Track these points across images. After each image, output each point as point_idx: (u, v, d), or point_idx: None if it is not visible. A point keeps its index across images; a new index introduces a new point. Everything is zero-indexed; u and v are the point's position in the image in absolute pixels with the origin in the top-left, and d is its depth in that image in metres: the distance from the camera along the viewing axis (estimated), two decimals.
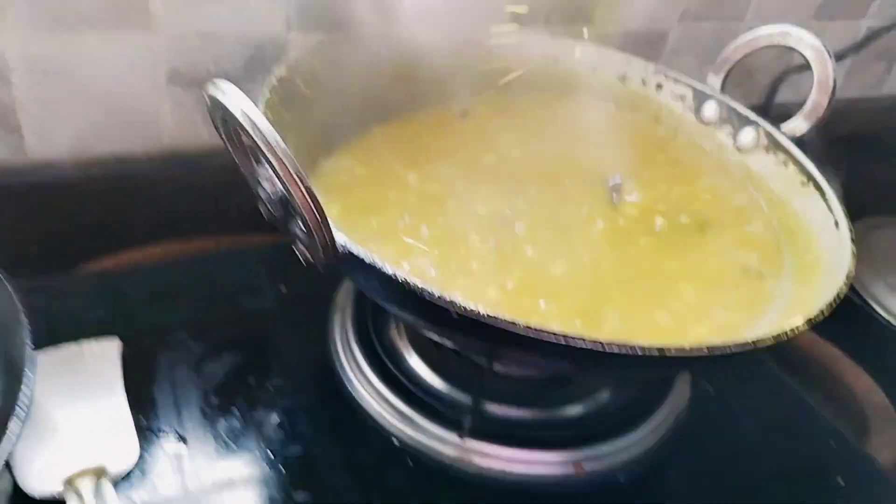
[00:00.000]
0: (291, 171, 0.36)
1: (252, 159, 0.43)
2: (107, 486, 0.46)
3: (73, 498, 0.45)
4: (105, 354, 0.54)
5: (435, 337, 0.54)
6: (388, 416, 0.55)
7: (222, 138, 0.42)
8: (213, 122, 0.41)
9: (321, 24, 0.72)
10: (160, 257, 0.69)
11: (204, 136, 0.73)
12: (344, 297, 0.63)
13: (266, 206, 0.44)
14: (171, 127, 0.72)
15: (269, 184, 0.43)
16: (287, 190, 0.37)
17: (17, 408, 0.40)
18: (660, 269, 0.54)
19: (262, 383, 0.56)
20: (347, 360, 0.58)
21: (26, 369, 0.42)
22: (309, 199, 0.37)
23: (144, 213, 0.72)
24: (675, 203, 0.61)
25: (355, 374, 0.57)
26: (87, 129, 0.69)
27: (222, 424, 0.53)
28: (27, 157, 0.68)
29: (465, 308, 0.39)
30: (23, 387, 0.41)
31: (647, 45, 0.92)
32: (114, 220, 0.71)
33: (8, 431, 0.39)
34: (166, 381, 0.55)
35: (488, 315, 0.39)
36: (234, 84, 0.70)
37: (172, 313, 0.61)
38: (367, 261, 0.40)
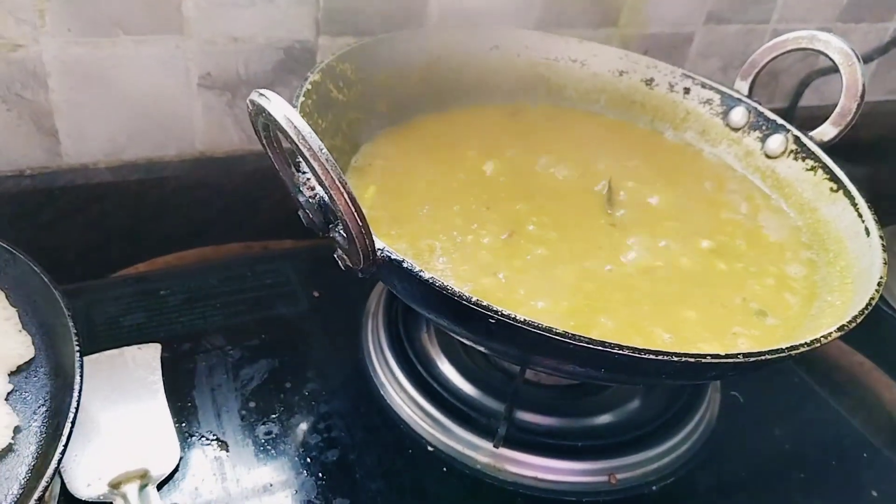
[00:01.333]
0: (335, 178, 0.37)
1: (292, 165, 0.44)
2: (151, 490, 0.48)
3: (119, 501, 0.46)
4: (146, 359, 0.56)
5: (469, 342, 0.54)
6: (421, 422, 0.55)
7: (262, 144, 0.42)
8: (254, 128, 0.41)
9: (349, 27, 0.72)
10: (194, 262, 0.70)
11: (234, 139, 0.74)
12: (375, 301, 0.64)
13: (305, 211, 0.44)
14: (203, 130, 0.73)
15: (308, 189, 0.44)
16: (330, 196, 0.38)
17: (67, 412, 0.41)
18: (663, 291, 0.53)
19: (298, 388, 0.57)
20: (380, 365, 0.59)
21: (76, 375, 0.43)
22: (352, 207, 0.38)
23: (178, 217, 0.73)
24: (698, 227, 0.60)
25: (388, 380, 0.58)
26: (121, 132, 0.70)
27: (261, 429, 0.54)
28: (63, 160, 0.69)
29: (502, 314, 0.39)
30: (73, 392, 0.42)
31: (672, 47, 0.92)
32: (148, 223, 0.72)
33: (61, 435, 0.40)
34: (205, 386, 0.56)
35: (525, 321, 0.39)
36: (264, 88, 0.71)
37: (209, 318, 0.63)
38: (406, 266, 0.41)
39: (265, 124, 0.39)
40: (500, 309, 0.39)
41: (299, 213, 0.45)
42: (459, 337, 0.53)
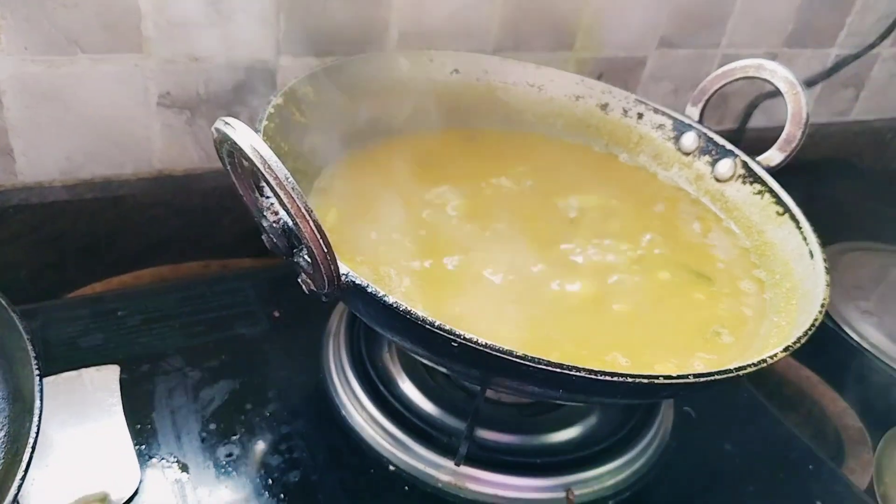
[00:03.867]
0: (301, 207, 0.38)
1: (256, 190, 0.44)
2: None
3: None
4: (105, 381, 0.55)
5: (432, 364, 0.55)
6: (383, 442, 0.56)
7: (227, 169, 0.43)
8: (218, 154, 0.42)
9: (310, 48, 0.73)
10: (152, 281, 0.70)
11: (194, 157, 0.74)
12: (336, 321, 0.65)
13: (269, 235, 0.45)
14: (161, 149, 0.72)
15: (272, 214, 0.44)
16: (295, 223, 0.39)
17: (27, 437, 0.41)
18: (622, 313, 0.54)
19: (259, 409, 0.57)
20: (342, 385, 0.59)
21: (36, 399, 0.42)
22: (318, 235, 0.39)
23: (135, 235, 0.73)
24: (655, 249, 0.61)
25: (350, 399, 0.58)
26: (77, 151, 0.69)
27: (222, 451, 0.54)
28: (18, 179, 0.68)
29: (464, 338, 0.40)
30: (33, 417, 0.41)
31: (626, 70, 0.94)
32: (104, 242, 0.72)
33: (20, 460, 0.39)
34: (165, 408, 0.56)
35: (486, 345, 0.40)
36: (224, 107, 0.72)
37: (168, 339, 0.62)
38: (370, 291, 0.42)
39: (230, 151, 0.40)
40: (462, 332, 0.40)
41: (262, 237, 0.46)
42: (422, 358, 0.54)
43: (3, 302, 0.50)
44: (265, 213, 0.44)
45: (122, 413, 0.54)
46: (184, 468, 0.52)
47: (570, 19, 0.85)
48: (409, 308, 0.41)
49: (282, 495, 0.52)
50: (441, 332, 0.40)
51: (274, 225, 0.44)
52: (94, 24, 0.63)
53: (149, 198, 0.73)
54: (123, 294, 0.67)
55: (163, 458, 0.53)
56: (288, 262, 0.44)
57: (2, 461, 0.43)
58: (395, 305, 0.41)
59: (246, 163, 0.38)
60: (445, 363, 0.50)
